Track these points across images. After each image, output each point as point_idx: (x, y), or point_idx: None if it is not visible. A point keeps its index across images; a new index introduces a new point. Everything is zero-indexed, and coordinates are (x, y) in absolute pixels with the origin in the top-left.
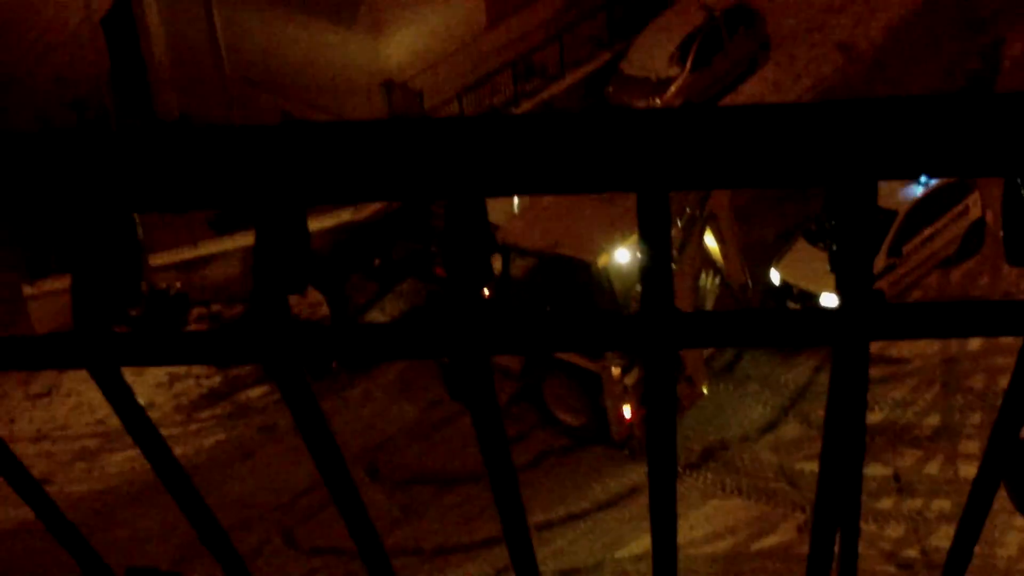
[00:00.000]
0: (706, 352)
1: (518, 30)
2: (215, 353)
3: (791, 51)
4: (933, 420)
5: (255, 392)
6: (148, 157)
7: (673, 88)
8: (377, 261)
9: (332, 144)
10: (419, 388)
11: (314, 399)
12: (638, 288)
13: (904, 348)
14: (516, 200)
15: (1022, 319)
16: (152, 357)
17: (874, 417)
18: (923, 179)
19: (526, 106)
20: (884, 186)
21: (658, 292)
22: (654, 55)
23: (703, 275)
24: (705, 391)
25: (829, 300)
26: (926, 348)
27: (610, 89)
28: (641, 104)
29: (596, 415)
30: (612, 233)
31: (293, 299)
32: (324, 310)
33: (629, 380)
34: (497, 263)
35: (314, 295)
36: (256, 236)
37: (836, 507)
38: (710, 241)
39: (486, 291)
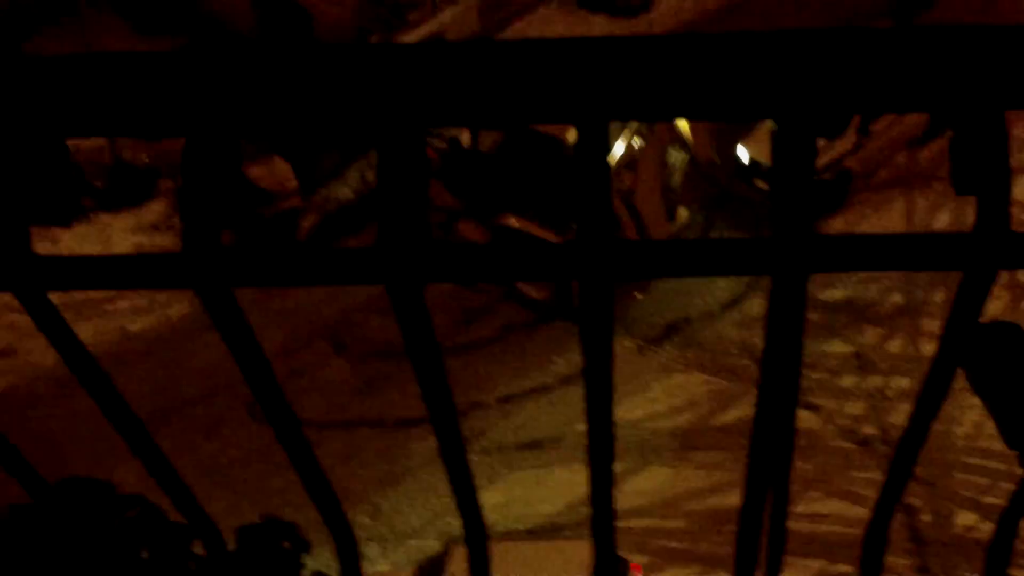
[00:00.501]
0: (673, 228)
1: None
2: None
3: None
4: (896, 298)
5: None
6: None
7: None
8: None
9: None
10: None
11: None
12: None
13: (870, 226)
14: None
15: (957, 251)
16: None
17: (837, 294)
18: None
19: None
20: None
21: (596, 221)
22: None
23: (671, 149)
24: None
25: None
26: (892, 227)
27: None
28: None
29: (560, 288)
30: None
31: (260, 173)
32: (293, 183)
33: None
34: (465, 136)
35: (281, 167)
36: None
37: (771, 442)
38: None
39: (453, 165)
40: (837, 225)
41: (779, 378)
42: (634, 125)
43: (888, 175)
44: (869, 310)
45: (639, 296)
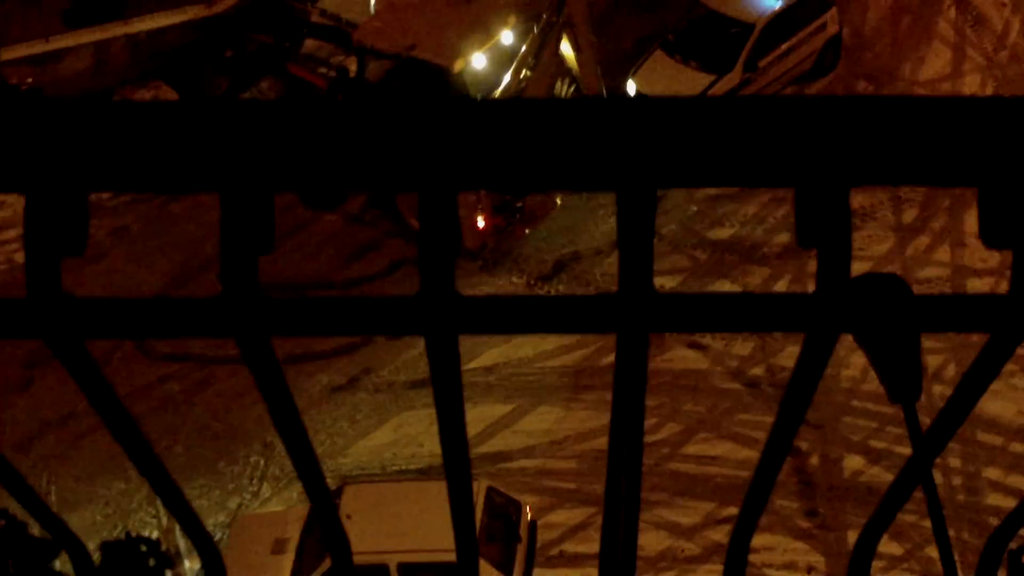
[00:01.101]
0: None
1: None
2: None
3: None
4: (782, 238)
5: (106, 192)
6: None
7: None
8: (229, 53)
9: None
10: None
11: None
12: (494, 95)
13: None
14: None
15: (804, 314)
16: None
17: (724, 233)
18: None
19: None
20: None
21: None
22: None
23: (558, 83)
24: (559, 201)
25: None
26: None
27: None
28: None
29: None
30: (470, 37)
31: (146, 97)
32: None
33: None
34: (352, 64)
35: (167, 94)
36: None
37: (621, 489)
38: (566, 49)
39: (340, 96)
40: None
41: (627, 435)
42: (520, 56)
43: None
44: (756, 250)
45: (527, 232)
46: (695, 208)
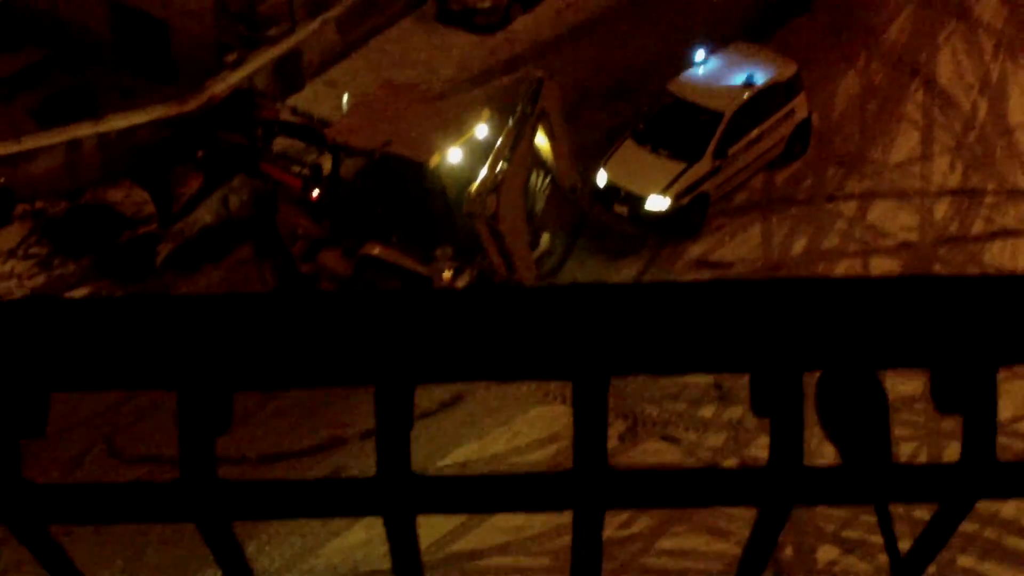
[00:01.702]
0: (536, 252)
1: None
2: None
3: None
4: None
5: (79, 292)
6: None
7: None
8: (200, 152)
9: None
10: (244, 289)
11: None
12: (471, 189)
13: (728, 252)
14: (346, 97)
15: (754, 488)
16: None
17: None
18: (750, 80)
19: None
20: (711, 88)
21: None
22: None
23: (533, 175)
24: None
25: (655, 202)
26: (749, 253)
27: None
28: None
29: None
30: (445, 133)
31: (118, 197)
32: (150, 208)
33: (461, 282)
34: (326, 162)
35: (139, 192)
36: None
37: None
38: (541, 140)
39: (316, 192)
40: (695, 251)
41: None
42: (496, 149)
43: (746, 198)
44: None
45: None
46: None
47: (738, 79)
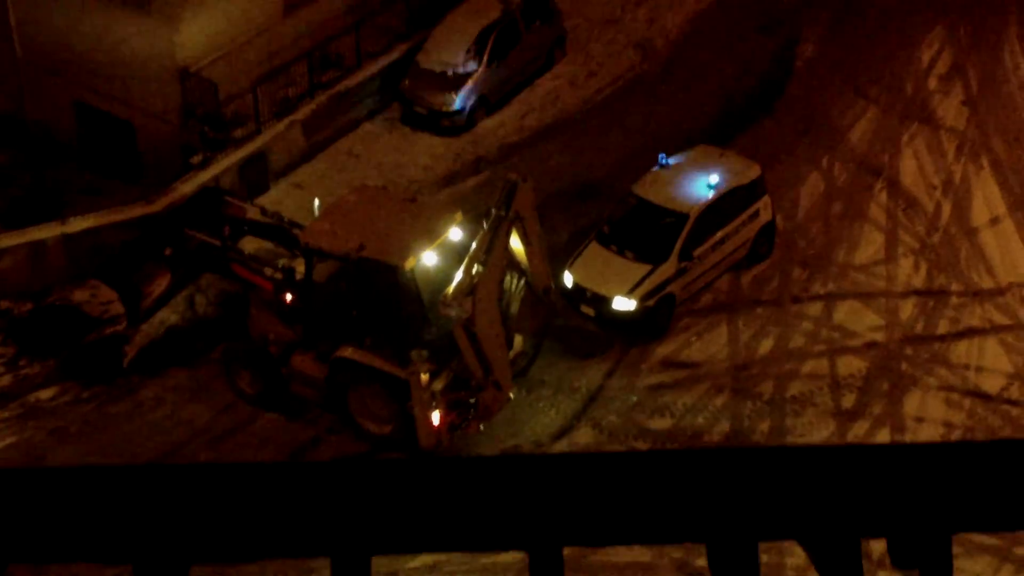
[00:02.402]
0: (510, 354)
1: (314, 19)
2: None
3: (587, 47)
4: (723, 426)
5: (46, 393)
6: None
7: (469, 83)
8: (168, 250)
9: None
10: (212, 391)
11: None
12: (447, 292)
13: (695, 353)
14: (317, 201)
15: None
16: None
17: (664, 423)
18: (714, 182)
19: (321, 98)
20: (676, 189)
21: None
22: (451, 48)
23: (507, 277)
24: (512, 396)
25: (621, 303)
26: (716, 353)
27: (406, 83)
28: (436, 99)
29: (403, 422)
30: (419, 236)
31: (84, 297)
32: (116, 308)
33: (437, 385)
34: (299, 265)
35: (105, 292)
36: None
37: None
38: (515, 242)
39: (288, 296)
40: (662, 351)
41: None
42: (471, 252)
43: (711, 300)
44: (696, 439)
45: (482, 427)
46: (635, 398)
47: (703, 181)
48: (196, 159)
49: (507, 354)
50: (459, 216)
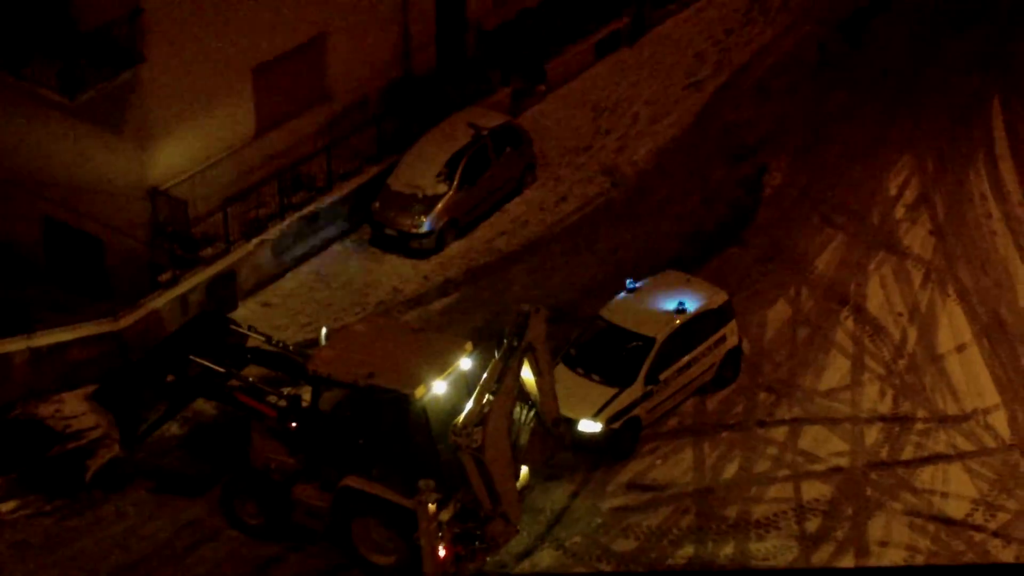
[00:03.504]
0: (519, 483)
1: (286, 140)
2: None
3: (557, 172)
4: (687, 549)
5: (7, 506)
6: None
7: (439, 206)
8: (171, 377)
9: None
10: (173, 507)
11: None
12: (457, 421)
13: (660, 475)
14: (324, 330)
15: None
16: None
17: (629, 545)
18: (681, 307)
19: (291, 218)
20: (643, 314)
21: None
22: (421, 172)
23: (517, 408)
24: (520, 529)
25: (587, 426)
26: (681, 476)
27: (377, 205)
28: (406, 221)
29: (408, 553)
30: (429, 365)
31: (48, 411)
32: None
33: (444, 516)
34: (304, 393)
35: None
36: None
37: None
38: (526, 373)
39: (293, 424)
40: (627, 474)
41: None
42: (483, 382)
43: (677, 424)
44: (659, 563)
45: (487, 559)
46: (600, 520)
47: (670, 306)
48: (165, 277)
49: (516, 485)
50: (469, 347)
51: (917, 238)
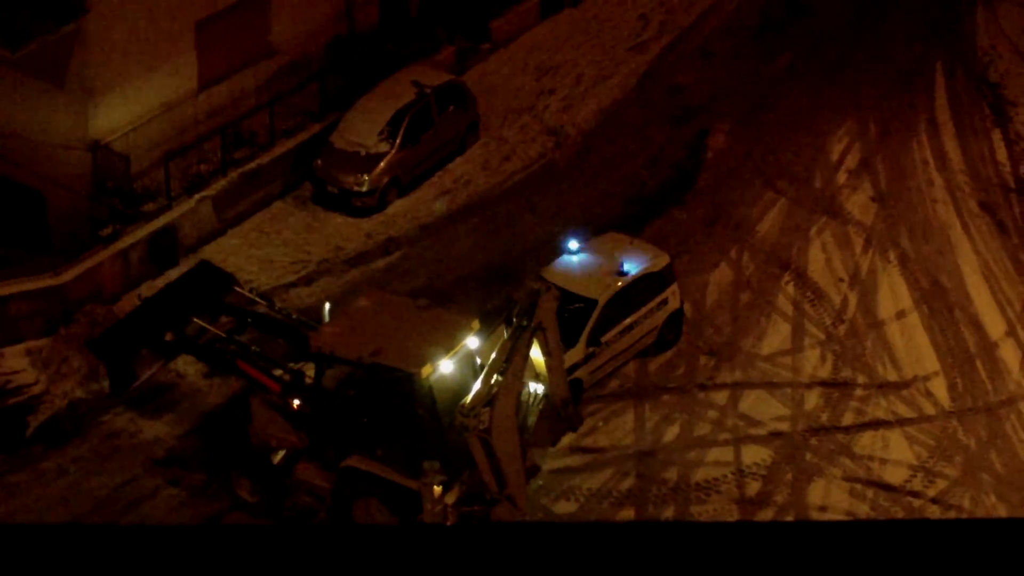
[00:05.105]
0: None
1: (228, 96)
2: None
3: (501, 132)
4: (627, 512)
5: None
6: None
7: (382, 164)
8: (170, 335)
9: None
10: (113, 464)
11: None
12: (465, 402)
13: (601, 438)
14: (327, 305)
15: None
16: None
17: (569, 507)
18: (623, 269)
19: (233, 175)
20: (585, 275)
21: None
22: (364, 130)
23: (527, 389)
24: (525, 512)
25: (528, 387)
26: (622, 439)
27: (319, 162)
28: (349, 179)
29: None
30: (436, 344)
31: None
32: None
33: (449, 498)
34: (309, 370)
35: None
36: None
37: None
38: (535, 353)
39: (296, 403)
40: (568, 437)
41: None
42: (492, 362)
43: (618, 386)
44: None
45: None
46: (540, 482)
47: (612, 268)
48: (106, 232)
49: (523, 468)
50: (476, 325)
51: (859, 204)
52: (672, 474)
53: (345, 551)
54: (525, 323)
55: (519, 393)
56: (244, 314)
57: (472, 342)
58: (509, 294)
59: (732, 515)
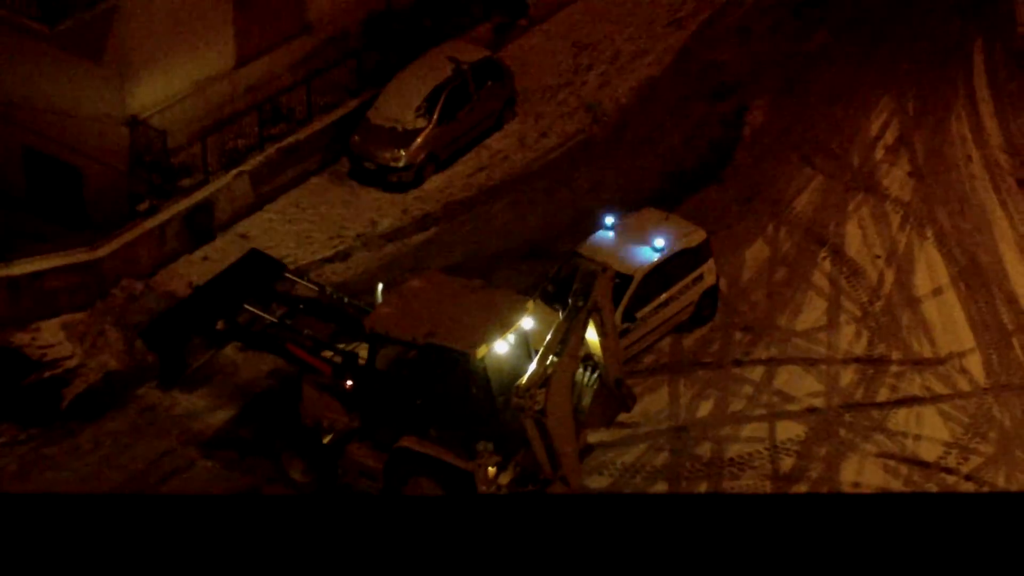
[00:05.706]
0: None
1: (266, 72)
2: None
3: (538, 108)
4: (661, 487)
5: None
6: None
7: (419, 140)
8: (221, 324)
9: None
10: (150, 437)
11: None
12: (520, 383)
13: (635, 413)
14: (380, 286)
15: None
16: None
17: (602, 482)
18: (659, 245)
19: (270, 150)
20: (621, 251)
21: None
22: (401, 106)
23: (582, 370)
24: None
25: None
26: (656, 414)
27: (356, 138)
28: (385, 155)
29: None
30: (490, 324)
31: (24, 339)
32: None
33: (503, 479)
34: (362, 351)
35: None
36: None
37: None
38: (591, 334)
39: (349, 382)
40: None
41: None
42: (547, 343)
43: (653, 361)
44: None
45: None
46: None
47: (648, 243)
48: (142, 207)
49: (577, 449)
50: (530, 305)
51: (896, 180)
52: (706, 450)
53: (381, 520)
54: (581, 303)
55: (573, 373)
56: (295, 300)
57: (526, 323)
58: (547, 270)
59: (766, 491)
